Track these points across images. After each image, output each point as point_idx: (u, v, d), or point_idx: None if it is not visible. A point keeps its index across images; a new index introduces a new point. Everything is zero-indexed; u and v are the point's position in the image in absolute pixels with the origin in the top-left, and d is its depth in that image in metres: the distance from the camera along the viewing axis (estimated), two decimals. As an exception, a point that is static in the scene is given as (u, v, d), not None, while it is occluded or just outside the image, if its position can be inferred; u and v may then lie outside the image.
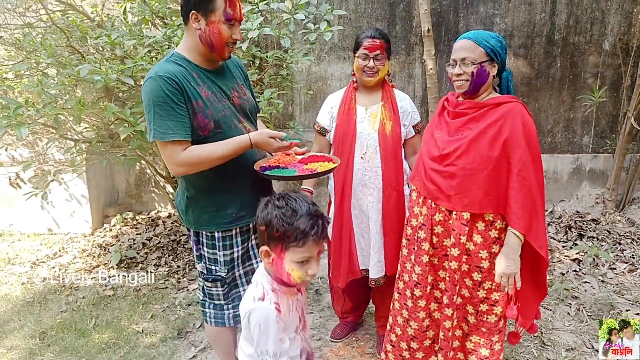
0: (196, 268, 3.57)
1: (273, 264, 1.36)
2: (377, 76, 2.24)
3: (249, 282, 2.01)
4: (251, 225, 1.94)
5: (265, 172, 1.77)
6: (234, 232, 1.89)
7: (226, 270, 1.92)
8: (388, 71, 2.31)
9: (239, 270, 1.98)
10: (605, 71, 4.20)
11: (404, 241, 2.08)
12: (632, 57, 4.06)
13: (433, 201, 1.88)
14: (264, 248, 1.35)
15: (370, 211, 2.29)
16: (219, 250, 1.89)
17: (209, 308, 2.03)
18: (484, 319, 1.88)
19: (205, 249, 1.91)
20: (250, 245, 1.98)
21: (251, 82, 2.30)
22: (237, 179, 1.84)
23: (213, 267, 1.93)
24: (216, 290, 1.97)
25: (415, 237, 1.96)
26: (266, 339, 1.33)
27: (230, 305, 2.01)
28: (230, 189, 1.83)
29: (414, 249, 1.98)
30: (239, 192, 1.85)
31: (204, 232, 1.89)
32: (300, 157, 1.95)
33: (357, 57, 2.24)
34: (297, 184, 4.18)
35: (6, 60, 3.41)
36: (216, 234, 1.87)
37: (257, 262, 2.03)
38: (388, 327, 2.19)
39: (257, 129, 1.94)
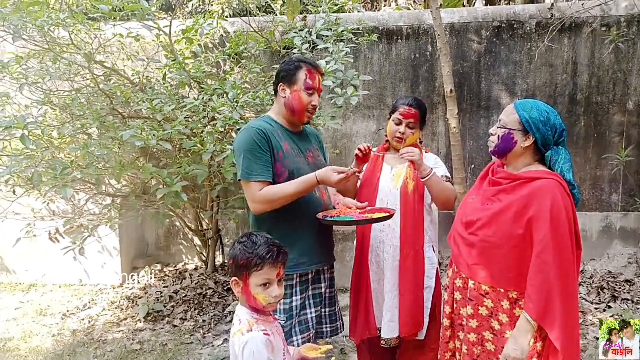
0: (221, 323, 3.53)
1: (242, 292, 1.56)
2: (404, 143, 2.33)
3: (302, 331, 2.08)
4: (310, 276, 2.08)
5: (325, 219, 1.97)
6: (294, 280, 2.02)
7: (285, 319, 2.01)
8: (418, 139, 2.40)
9: (295, 319, 2.06)
10: (630, 130, 4.21)
11: None
12: (656, 117, 4.08)
13: (455, 265, 1.89)
14: (234, 278, 1.57)
15: (385, 268, 2.30)
16: None
17: None
18: None
19: None
20: (307, 294, 2.10)
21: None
22: (301, 227, 2.04)
23: None
24: None
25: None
26: None
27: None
28: (293, 236, 2.01)
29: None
30: (301, 238, 2.03)
31: None
32: (359, 210, 2.10)
33: (392, 120, 2.34)
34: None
35: (53, 121, 3.65)
36: None
37: (311, 312, 2.12)
38: None
39: (327, 192, 2.20)
